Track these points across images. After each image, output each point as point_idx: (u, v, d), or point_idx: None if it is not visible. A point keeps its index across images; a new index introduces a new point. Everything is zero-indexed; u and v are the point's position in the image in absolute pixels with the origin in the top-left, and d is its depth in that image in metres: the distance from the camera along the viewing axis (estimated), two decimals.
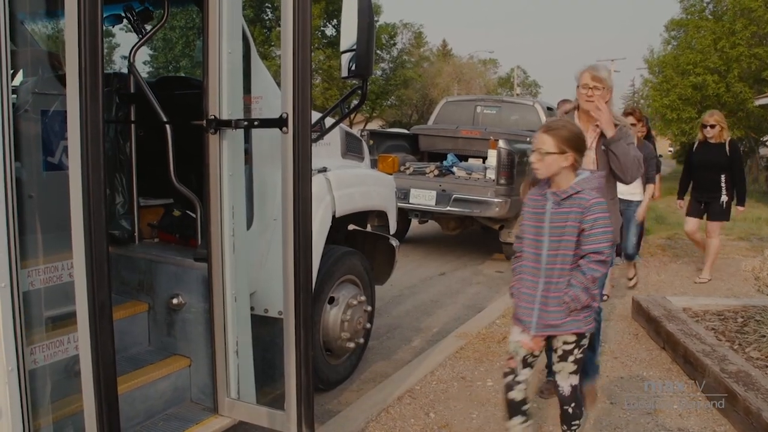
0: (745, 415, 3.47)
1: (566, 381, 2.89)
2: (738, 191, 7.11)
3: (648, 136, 6.94)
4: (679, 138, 28.02)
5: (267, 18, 34.68)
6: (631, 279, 7.12)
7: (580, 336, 2.80)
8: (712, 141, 7.00)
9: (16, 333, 2.13)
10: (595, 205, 2.65)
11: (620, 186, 4.56)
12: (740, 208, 7.27)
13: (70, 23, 1.90)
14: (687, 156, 7.69)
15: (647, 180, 6.25)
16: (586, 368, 3.61)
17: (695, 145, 7.33)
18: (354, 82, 3.44)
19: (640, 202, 6.40)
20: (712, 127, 6.96)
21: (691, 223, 7.38)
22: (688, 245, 9.08)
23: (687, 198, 7.42)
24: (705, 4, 25.69)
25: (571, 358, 2.83)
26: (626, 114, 6.19)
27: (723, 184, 7.02)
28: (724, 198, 7.04)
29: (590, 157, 3.50)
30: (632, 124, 5.37)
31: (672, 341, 4.70)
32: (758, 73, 23.15)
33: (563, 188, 2.72)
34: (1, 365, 2.11)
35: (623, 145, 3.49)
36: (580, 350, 2.84)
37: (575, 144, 2.72)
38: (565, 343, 2.81)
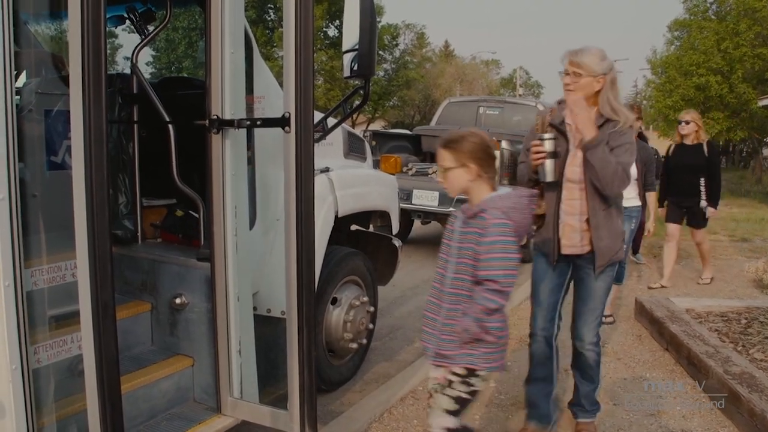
0: (749, 416, 3.46)
1: (438, 419, 2.50)
2: (713, 193, 6.82)
3: (641, 136, 6.32)
4: None
5: (269, 19, 34.74)
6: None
7: (471, 372, 2.43)
8: (689, 143, 6.79)
9: (19, 332, 2.13)
10: (494, 227, 2.34)
11: None
12: (712, 210, 6.88)
13: (73, 24, 1.91)
14: (665, 159, 7.35)
15: (646, 186, 5.71)
16: (585, 404, 3.44)
17: (671, 148, 7.12)
18: (356, 82, 3.44)
19: (636, 208, 5.57)
20: (687, 123, 6.78)
21: (672, 229, 7.07)
22: (690, 246, 9.06)
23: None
24: (708, 5, 25.67)
25: (450, 393, 2.45)
26: None
27: (702, 188, 6.78)
28: (703, 203, 6.80)
29: (578, 158, 3.11)
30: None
31: (675, 342, 4.69)
32: (762, 73, 23.13)
33: (472, 205, 2.47)
34: (4, 364, 2.11)
35: (600, 151, 2.97)
36: (466, 389, 2.45)
37: (477, 155, 2.42)
38: (451, 373, 2.45)
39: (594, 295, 3.27)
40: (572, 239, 3.19)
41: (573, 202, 3.16)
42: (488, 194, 2.44)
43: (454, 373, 2.44)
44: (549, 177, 3.10)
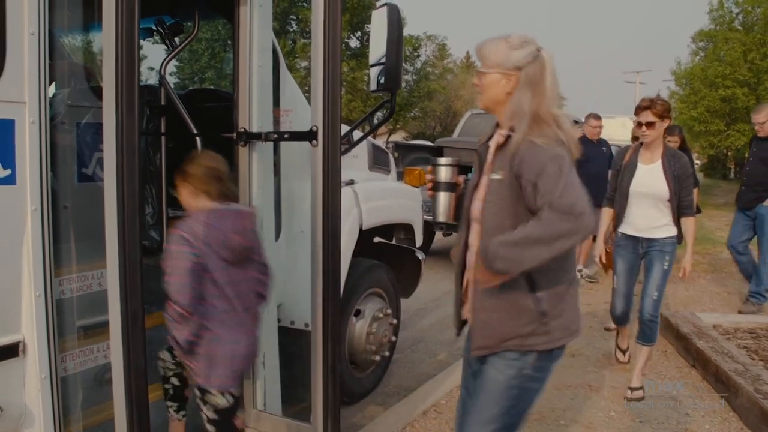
0: None
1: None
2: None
3: (683, 147, 5.69)
4: (707, 151, 27.72)
5: (291, 30, 34.97)
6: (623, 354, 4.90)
7: (202, 390, 2.41)
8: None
9: (49, 341, 2.16)
10: (167, 251, 2.33)
11: (636, 213, 4.12)
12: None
13: (107, 37, 1.94)
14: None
15: (681, 209, 4.06)
16: None
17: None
18: (382, 95, 3.44)
19: (671, 240, 4.09)
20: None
21: None
22: (716, 260, 8.95)
23: None
24: (734, 15, 25.39)
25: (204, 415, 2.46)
26: (642, 108, 3.99)
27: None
28: None
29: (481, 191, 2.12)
30: (646, 124, 3.94)
31: (702, 359, 4.62)
32: None
33: None
34: (34, 373, 2.14)
35: (495, 250, 1.87)
36: (209, 410, 2.43)
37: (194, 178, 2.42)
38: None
39: (482, 393, 2.14)
40: None
41: None
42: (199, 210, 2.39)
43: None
44: (441, 216, 2.31)
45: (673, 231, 4.08)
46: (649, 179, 4.05)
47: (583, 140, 7.39)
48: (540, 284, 1.99)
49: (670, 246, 4.08)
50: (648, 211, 4.11)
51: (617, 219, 4.28)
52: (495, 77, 2.06)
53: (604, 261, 4.58)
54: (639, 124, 4.05)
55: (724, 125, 23.93)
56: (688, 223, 4.07)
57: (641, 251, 4.20)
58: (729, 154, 32.32)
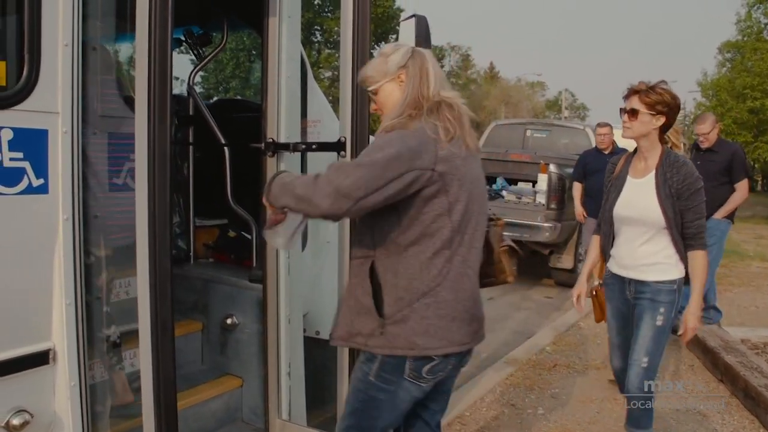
0: None
1: None
2: None
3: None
4: None
5: (316, 40, 35.19)
6: None
7: None
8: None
9: (78, 349, 2.18)
10: None
11: (622, 244, 3.02)
12: None
13: (140, 48, 1.96)
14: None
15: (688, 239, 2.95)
16: None
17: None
18: None
19: (667, 285, 2.95)
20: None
21: None
22: (744, 274, 8.82)
23: None
24: (763, 26, 25.12)
25: None
26: (631, 92, 2.97)
27: None
28: None
29: None
30: (628, 112, 2.95)
31: (731, 374, 4.54)
32: None
33: None
34: (63, 381, 2.16)
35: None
36: None
37: None
38: None
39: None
40: None
41: None
42: None
43: None
44: (280, 243, 2.08)
45: (670, 273, 2.96)
46: (638, 198, 2.99)
47: (594, 152, 7.21)
48: (383, 286, 1.96)
49: (667, 294, 2.95)
50: (635, 242, 3.02)
51: (603, 251, 3.23)
52: (387, 87, 2.07)
53: (580, 303, 3.28)
54: (621, 112, 3.03)
55: (751, 137, 23.64)
56: (696, 259, 2.91)
57: (629, 296, 3.07)
58: (756, 166, 31.87)
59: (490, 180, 9.44)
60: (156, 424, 2.06)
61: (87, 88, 2.39)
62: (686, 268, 2.95)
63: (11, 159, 2.03)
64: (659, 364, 3.07)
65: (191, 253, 3.67)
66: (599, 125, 7.34)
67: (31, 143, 2.08)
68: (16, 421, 2.05)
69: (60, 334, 2.15)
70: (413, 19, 2.98)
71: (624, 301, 3.10)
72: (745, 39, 25.24)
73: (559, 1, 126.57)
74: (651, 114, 2.89)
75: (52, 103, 2.12)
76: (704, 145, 5.83)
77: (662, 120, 2.91)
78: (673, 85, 3.07)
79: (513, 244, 2.34)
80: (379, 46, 35.68)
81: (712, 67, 42.20)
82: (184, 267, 3.59)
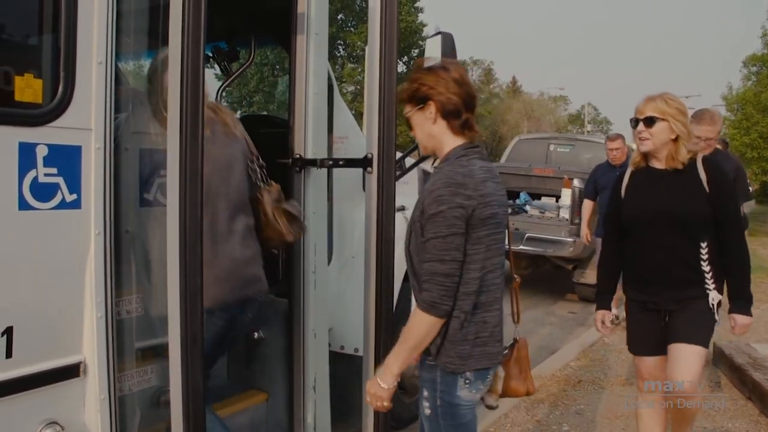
0: None
1: None
2: None
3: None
4: (760, 177, 26.97)
5: (339, 55, 35.43)
6: None
7: None
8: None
9: (108, 362, 2.21)
10: None
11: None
12: None
13: (173, 65, 1.99)
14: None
15: None
16: None
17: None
18: None
19: None
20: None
21: None
22: None
23: None
24: None
25: None
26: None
27: None
28: None
29: None
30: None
31: (759, 391, 4.46)
32: None
33: None
34: (93, 393, 2.19)
35: None
36: None
37: None
38: None
39: None
40: None
41: None
42: None
43: None
44: None
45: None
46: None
47: (604, 166, 6.77)
48: None
49: None
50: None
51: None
52: None
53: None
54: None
55: None
56: None
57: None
58: None
59: (514, 195, 9.41)
60: None
61: (119, 104, 2.44)
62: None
63: (46, 174, 2.07)
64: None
65: None
66: (609, 138, 6.91)
67: (65, 159, 2.12)
68: None
69: (91, 347, 2.18)
70: (439, 36, 3.00)
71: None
72: None
73: (581, 16, 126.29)
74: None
75: (86, 120, 2.16)
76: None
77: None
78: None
79: (290, 208, 2.68)
80: (401, 60, 35.88)
81: (738, 80, 41.72)
82: None
